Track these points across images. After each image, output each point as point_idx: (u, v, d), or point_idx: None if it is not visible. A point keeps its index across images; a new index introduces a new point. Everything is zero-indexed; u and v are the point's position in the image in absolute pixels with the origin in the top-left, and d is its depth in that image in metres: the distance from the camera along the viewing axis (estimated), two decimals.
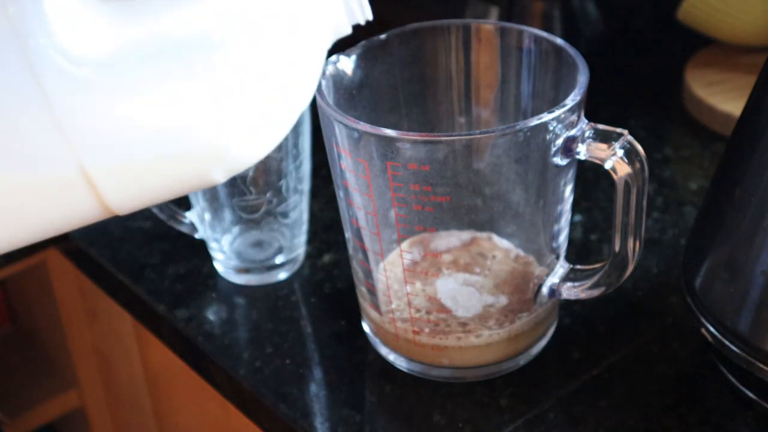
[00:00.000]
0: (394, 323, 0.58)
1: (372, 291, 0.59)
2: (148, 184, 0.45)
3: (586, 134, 0.52)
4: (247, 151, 0.46)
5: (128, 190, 0.44)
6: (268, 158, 0.63)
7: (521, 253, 0.60)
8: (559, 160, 0.53)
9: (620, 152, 0.51)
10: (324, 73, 0.55)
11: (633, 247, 0.54)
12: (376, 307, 0.59)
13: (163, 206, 0.68)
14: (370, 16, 0.50)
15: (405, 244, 0.57)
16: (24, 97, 0.41)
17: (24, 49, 0.41)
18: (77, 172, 0.43)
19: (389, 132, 0.51)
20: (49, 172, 0.42)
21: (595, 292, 0.57)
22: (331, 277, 0.68)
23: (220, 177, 0.46)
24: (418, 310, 0.57)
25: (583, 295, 0.57)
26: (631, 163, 0.51)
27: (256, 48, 0.45)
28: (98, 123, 0.42)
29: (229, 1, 0.45)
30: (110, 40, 0.43)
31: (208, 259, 0.70)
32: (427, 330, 0.57)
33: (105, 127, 0.42)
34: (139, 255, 0.72)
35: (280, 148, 0.63)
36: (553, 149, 0.53)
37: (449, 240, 0.59)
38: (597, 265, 0.57)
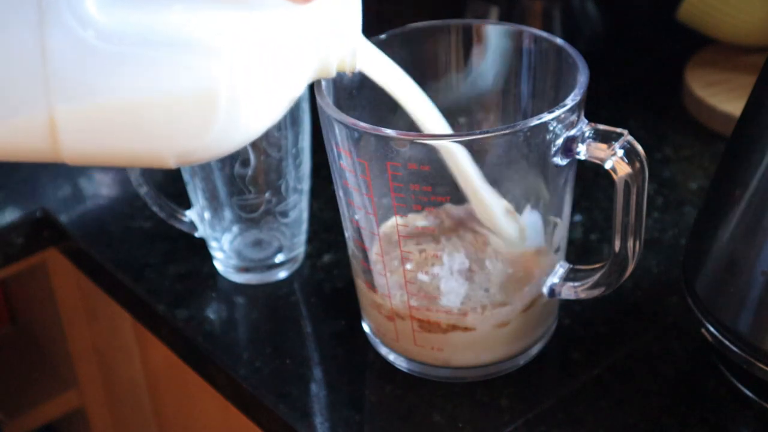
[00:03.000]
0: (394, 322, 0.58)
1: (372, 290, 0.59)
2: (103, 146, 0.47)
3: (586, 134, 0.52)
4: (196, 153, 0.49)
5: (84, 144, 0.47)
6: (267, 157, 0.63)
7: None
8: (559, 160, 0.53)
9: (620, 152, 0.51)
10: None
11: (633, 247, 0.54)
12: (376, 307, 0.59)
13: (162, 204, 0.68)
14: (355, 70, 0.53)
15: (403, 243, 0.57)
16: (22, 34, 0.44)
17: None
18: (45, 110, 0.45)
19: (389, 132, 0.51)
20: (19, 103, 0.45)
21: (595, 292, 0.57)
22: (331, 277, 0.68)
23: (172, 163, 0.49)
24: (417, 303, 0.57)
25: (583, 295, 0.57)
26: (631, 163, 0.51)
27: (242, 67, 0.47)
28: (81, 79, 0.45)
29: (235, 18, 0.47)
30: (120, 19, 0.46)
31: (208, 259, 0.70)
32: (427, 326, 0.57)
33: (85, 84, 0.45)
34: (139, 255, 0.72)
35: (279, 147, 0.63)
36: (553, 149, 0.52)
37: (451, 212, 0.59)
38: (597, 265, 0.57)
